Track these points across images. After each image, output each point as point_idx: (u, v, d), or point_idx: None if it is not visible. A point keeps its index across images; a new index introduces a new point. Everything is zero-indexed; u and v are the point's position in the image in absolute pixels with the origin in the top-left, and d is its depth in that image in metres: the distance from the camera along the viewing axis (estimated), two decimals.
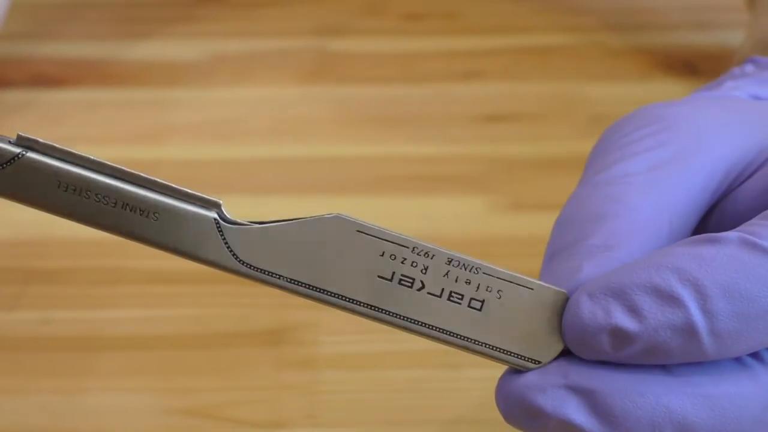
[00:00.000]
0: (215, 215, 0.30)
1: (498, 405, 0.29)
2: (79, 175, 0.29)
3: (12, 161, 0.29)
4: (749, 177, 0.32)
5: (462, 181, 0.49)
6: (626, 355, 0.28)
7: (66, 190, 0.29)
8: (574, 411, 0.28)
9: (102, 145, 0.51)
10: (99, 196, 0.29)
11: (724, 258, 0.27)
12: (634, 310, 0.27)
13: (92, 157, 0.29)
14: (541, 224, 0.37)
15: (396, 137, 0.51)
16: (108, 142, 0.51)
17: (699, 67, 0.54)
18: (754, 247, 0.27)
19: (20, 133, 0.29)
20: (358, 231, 0.30)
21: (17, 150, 0.29)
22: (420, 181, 0.49)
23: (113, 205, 0.29)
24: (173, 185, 0.29)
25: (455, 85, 0.54)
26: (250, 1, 0.58)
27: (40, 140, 0.29)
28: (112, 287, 0.45)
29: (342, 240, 0.30)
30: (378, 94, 0.54)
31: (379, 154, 0.51)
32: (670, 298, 0.27)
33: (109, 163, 0.29)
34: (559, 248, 0.31)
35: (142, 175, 0.29)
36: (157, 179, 0.29)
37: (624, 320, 0.28)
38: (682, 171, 0.32)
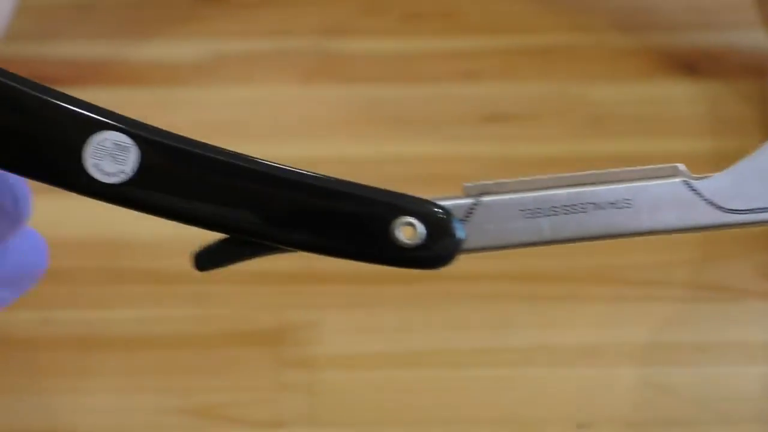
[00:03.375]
0: (681, 178, 0.29)
1: None
2: (540, 196, 0.29)
3: (471, 211, 0.29)
4: None
5: (462, 181, 0.49)
6: None
7: (534, 217, 0.29)
8: None
9: None
10: (566, 207, 0.29)
11: None
12: None
13: (540, 177, 0.29)
14: None
15: (396, 137, 0.51)
16: None
17: (699, 67, 0.54)
18: None
19: (466, 184, 0.29)
20: None
21: (471, 200, 0.29)
22: (420, 181, 0.49)
23: (584, 209, 0.29)
24: (626, 169, 0.29)
25: (455, 85, 0.54)
26: (250, 1, 0.58)
27: (490, 182, 0.29)
28: (112, 287, 0.45)
29: None
30: (378, 94, 0.53)
31: (379, 153, 0.51)
32: None
33: (561, 175, 0.29)
34: None
35: (594, 173, 0.29)
36: (606, 171, 0.29)
37: None
38: None
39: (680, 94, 0.53)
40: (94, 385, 0.42)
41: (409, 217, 0.29)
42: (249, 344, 0.43)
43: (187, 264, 0.47)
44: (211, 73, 0.54)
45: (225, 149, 0.29)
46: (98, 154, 0.29)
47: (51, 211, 0.48)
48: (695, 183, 0.29)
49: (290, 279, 0.45)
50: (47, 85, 0.46)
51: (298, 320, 0.44)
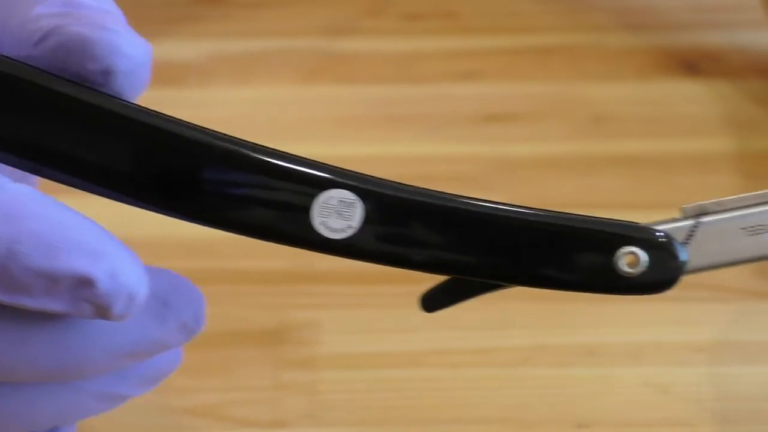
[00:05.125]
0: None
1: None
2: (760, 212, 0.29)
3: (692, 233, 0.30)
4: None
5: (462, 181, 0.49)
6: None
7: (757, 233, 0.29)
8: None
9: None
10: None
11: None
12: None
13: (757, 193, 0.29)
14: None
15: (396, 137, 0.51)
16: None
17: (699, 67, 0.54)
18: None
19: (684, 206, 0.30)
20: None
21: (690, 222, 0.29)
22: (420, 181, 0.49)
23: None
24: None
25: (455, 85, 0.54)
26: (250, 1, 0.58)
27: (707, 203, 0.30)
28: None
29: None
30: (378, 94, 0.54)
31: (379, 153, 0.51)
32: None
33: None
34: None
35: None
36: None
37: None
38: None
39: (681, 94, 0.53)
40: None
41: (631, 247, 0.30)
42: (249, 344, 0.43)
43: (187, 264, 0.47)
44: (211, 73, 0.54)
45: (442, 193, 0.30)
46: (325, 212, 0.29)
47: None
48: None
49: (290, 279, 0.45)
50: None
51: (298, 320, 0.44)
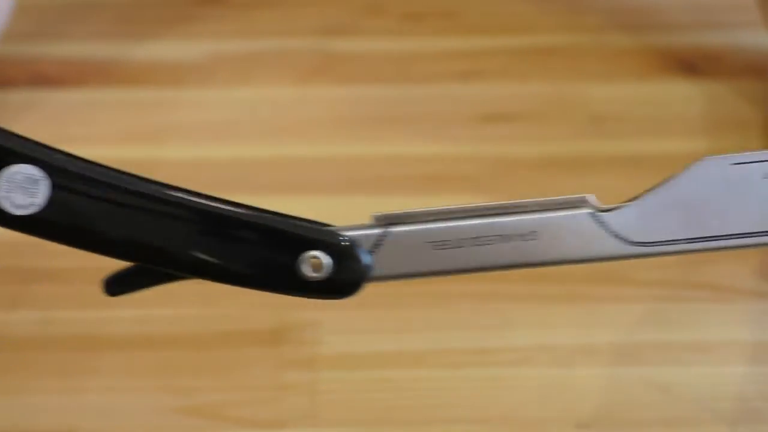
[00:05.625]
0: (587, 210, 0.29)
1: None
2: (447, 228, 0.29)
3: (380, 241, 0.29)
4: None
5: (462, 181, 0.49)
6: None
7: (442, 248, 0.29)
8: None
9: (102, 145, 0.51)
10: (474, 239, 0.29)
11: None
12: None
13: (448, 208, 0.29)
14: None
15: (396, 137, 0.51)
16: (108, 141, 0.51)
17: (699, 67, 0.55)
18: None
19: (375, 214, 0.30)
20: (732, 164, 0.29)
21: (379, 231, 0.29)
22: (420, 181, 0.49)
23: (490, 242, 0.29)
24: (533, 200, 0.29)
25: (455, 85, 0.54)
26: (250, 1, 0.58)
27: (398, 213, 0.30)
28: None
29: (721, 180, 0.29)
30: (378, 94, 0.54)
31: (379, 154, 0.51)
32: None
33: (469, 206, 0.29)
34: None
35: (501, 204, 0.29)
36: (514, 202, 0.29)
37: None
38: None
39: (680, 94, 0.53)
40: (94, 385, 0.42)
41: (314, 251, 0.30)
42: (249, 344, 0.43)
43: None
44: (211, 73, 0.54)
45: (136, 176, 0.29)
46: (9, 187, 0.29)
47: None
48: (602, 215, 0.29)
49: None
50: (46, 84, 0.46)
51: (298, 320, 0.44)
